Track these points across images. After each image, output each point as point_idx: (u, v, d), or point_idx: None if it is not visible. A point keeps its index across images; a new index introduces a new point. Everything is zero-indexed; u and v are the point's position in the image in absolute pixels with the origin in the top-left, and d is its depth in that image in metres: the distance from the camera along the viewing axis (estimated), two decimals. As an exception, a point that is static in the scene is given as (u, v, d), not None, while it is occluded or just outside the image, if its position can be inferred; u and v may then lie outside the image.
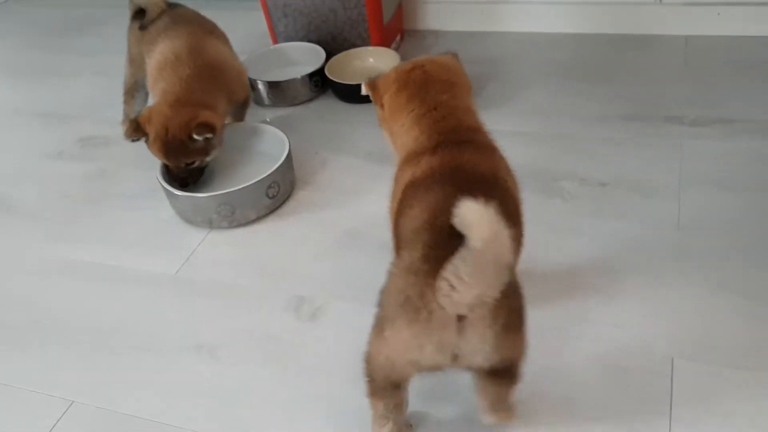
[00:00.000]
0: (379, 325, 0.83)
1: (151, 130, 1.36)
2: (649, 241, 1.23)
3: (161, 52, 1.46)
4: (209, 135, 1.36)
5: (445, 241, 0.76)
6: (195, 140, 1.36)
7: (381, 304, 0.83)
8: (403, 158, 0.99)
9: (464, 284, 0.72)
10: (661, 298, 1.13)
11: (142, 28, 1.55)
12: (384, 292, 0.83)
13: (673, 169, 1.38)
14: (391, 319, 0.80)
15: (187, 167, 1.41)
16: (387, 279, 0.83)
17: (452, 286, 0.72)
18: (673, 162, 1.39)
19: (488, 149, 0.98)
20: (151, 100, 1.51)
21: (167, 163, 1.39)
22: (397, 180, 0.99)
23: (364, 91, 1.07)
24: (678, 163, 1.39)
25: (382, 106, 1.03)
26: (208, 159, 1.43)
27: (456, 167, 0.90)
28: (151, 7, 1.55)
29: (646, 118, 1.53)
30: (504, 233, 0.70)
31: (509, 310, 0.79)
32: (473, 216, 0.70)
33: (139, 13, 1.57)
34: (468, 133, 0.97)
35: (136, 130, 1.36)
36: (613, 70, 1.71)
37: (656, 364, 1.03)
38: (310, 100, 1.78)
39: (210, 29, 1.54)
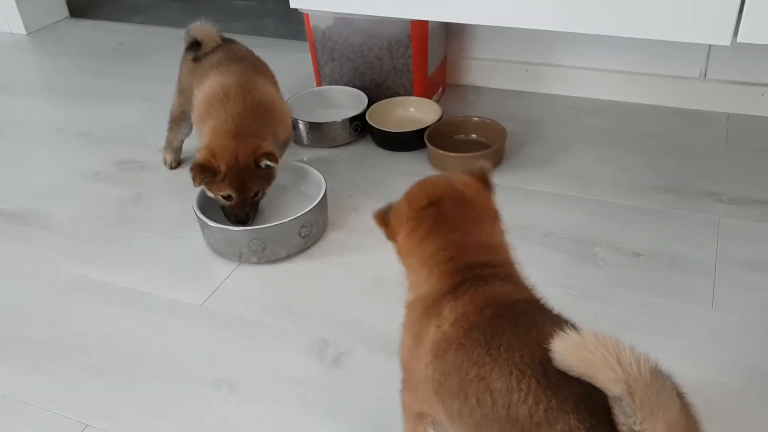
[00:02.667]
0: None
1: (221, 164, 1.36)
2: (682, 316, 1.21)
3: (210, 86, 1.48)
4: (273, 163, 1.38)
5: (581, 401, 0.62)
6: (261, 168, 1.38)
7: None
8: (418, 302, 0.85)
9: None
10: (691, 378, 1.10)
11: (196, 59, 1.59)
12: None
13: (710, 246, 1.36)
14: None
15: (252, 199, 1.42)
16: None
17: None
18: (710, 238, 1.38)
19: (515, 278, 0.86)
20: (195, 133, 1.53)
21: (237, 195, 1.39)
22: (414, 334, 0.84)
23: (374, 223, 0.95)
24: (714, 239, 1.37)
25: (396, 241, 0.91)
26: (269, 189, 1.45)
27: (494, 305, 0.77)
28: (207, 41, 1.58)
29: (684, 191, 1.52)
30: (624, 348, 0.61)
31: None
32: (583, 353, 0.60)
33: (194, 45, 1.60)
34: (488, 268, 0.83)
35: (203, 170, 1.35)
36: (654, 142, 1.71)
37: (684, 445, 1.00)
38: (349, 143, 1.80)
39: (261, 69, 1.57)
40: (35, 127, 2.03)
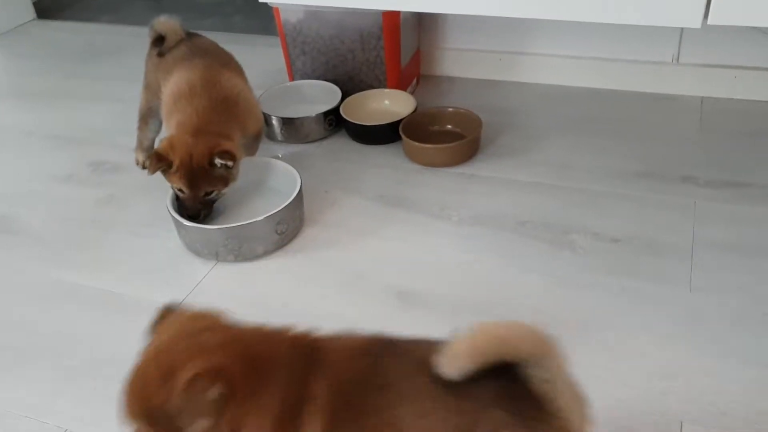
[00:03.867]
0: None
1: (175, 158, 1.36)
2: (661, 300, 1.21)
3: (176, 82, 1.47)
4: (230, 163, 1.36)
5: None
6: (216, 167, 1.37)
7: None
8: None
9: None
10: (670, 359, 1.11)
11: (160, 54, 1.57)
12: None
13: (686, 229, 1.37)
14: None
15: (204, 197, 1.40)
16: None
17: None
18: (686, 222, 1.38)
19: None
20: (165, 131, 1.51)
21: (187, 191, 1.39)
22: None
23: None
24: (691, 223, 1.38)
25: None
26: (224, 191, 1.43)
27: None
28: (170, 35, 1.56)
29: (660, 176, 1.52)
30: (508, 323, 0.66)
31: None
32: (485, 338, 0.66)
33: (158, 40, 1.58)
34: None
35: (159, 160, 1.35)
36: (629, 127, 1.72)
37: (664, 426, 1.00)
38: (324, 138, 1.79)
39: (226, 62, 1.56)
40: (4, 131, 1.99)
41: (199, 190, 1.39)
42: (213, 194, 1.41)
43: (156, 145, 1.72)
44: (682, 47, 1.79)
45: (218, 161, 1.36)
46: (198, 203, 1.40)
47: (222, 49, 1.60)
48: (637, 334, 1.16)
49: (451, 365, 0.66)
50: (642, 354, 1.12)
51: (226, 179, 1.41)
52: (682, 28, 1.75)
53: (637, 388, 1.06)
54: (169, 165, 1.36)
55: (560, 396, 0.68)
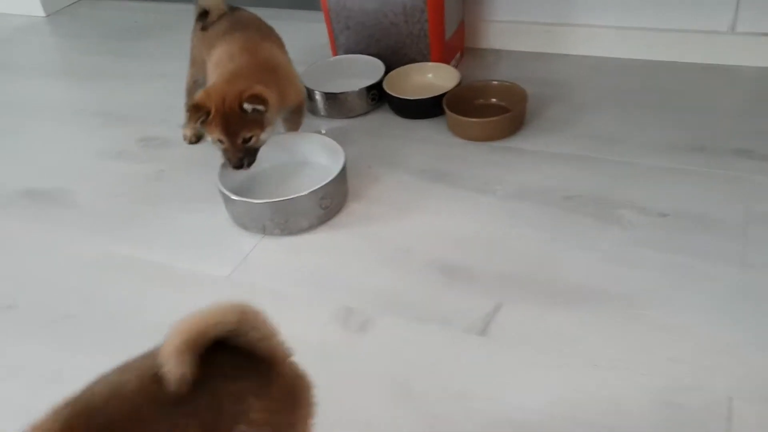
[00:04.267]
0: None
1: (212, 105, 1.37)
2: (710, 276, 1.19)
3: (218, 55, 1.49)
4: (260, 107, 1.36)
5: None
6: (248, 112, 1.37)
7: None
8: None
9: None
10: (719, 336, 1.09)
11: (204, 29, 1.59)
12: None
13: (738, 205, 1.33)
14: None
15: (243, 144, 1.40)
16: None
17: None
18: (740, 197, 1.35)
19: None
20: None
21: (226, 139, 1.40)
22: None
23: None
24: (745, 198, 1.34)
25: None
26: (263, 137, 1.43)
27: None
28: (213, 9, 1.59)
29: (712, 150, 1.48)
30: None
31: None
32: (192, 323, 0.73)
33: (203, 15, 1.61)
34: None
35: (197, 110, 1.37)
36: (681, 100, 1.67)
37: (713, 403, 0.99)
38: (367, 113, 1.79)
39: (266, 34, 1.57)
40: (57, 109, 2.05)
41: (237, 137, 1.39)
42: (252, 140, 1.41)
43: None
44: (739, 15, 1.72)
45: (247, 106, 1.36)
46: (238, 151, 1.41)
47: (263, 23, 1.61)
48: (685, 310, 1.14)
49: (172, 369, 0.72)
50: (690, 330, 1.10)
51: (261, 123, 1.40)
52: (738, -4, 1.69)
53: (686, 363, 1.05)
54: (207, 113, 1.37)
55: (274, 345, 0.80)
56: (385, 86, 1.75)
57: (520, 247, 1.31)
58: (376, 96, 1.77)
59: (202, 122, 1.39)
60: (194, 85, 1.68)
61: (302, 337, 1.18)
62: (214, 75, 1.48)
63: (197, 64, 1.64)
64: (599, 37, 1.88)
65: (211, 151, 1.70)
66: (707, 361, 1.05)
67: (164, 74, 2.11)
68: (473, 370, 1.09)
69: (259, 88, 1.37)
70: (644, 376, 1.04)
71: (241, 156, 1.42)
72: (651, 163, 1.47)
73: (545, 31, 1.93)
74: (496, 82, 1.72)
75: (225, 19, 1.58)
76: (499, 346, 1.12)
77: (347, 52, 1.91)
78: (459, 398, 1.04)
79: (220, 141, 1.41)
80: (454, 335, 1.14)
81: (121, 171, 1.70)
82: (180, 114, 1.75)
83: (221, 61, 1.47)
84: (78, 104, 2.05)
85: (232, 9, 1.62)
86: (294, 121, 1.60)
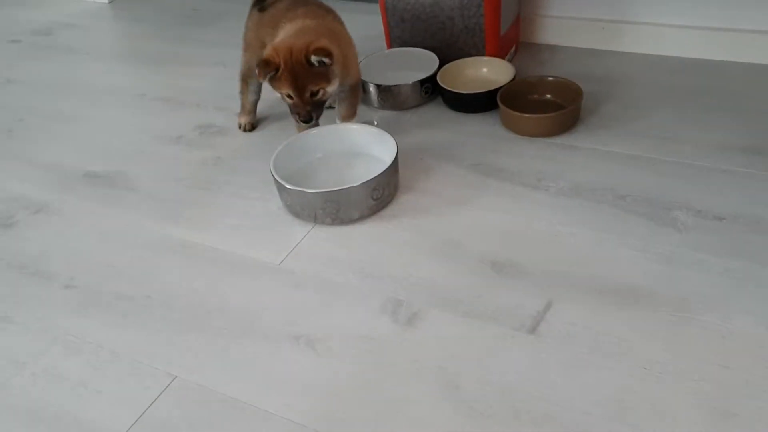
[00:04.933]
0: None
1: (280, 60, 1.40)
2: (767, 282, 1.17)
3: (286, 31, 1.51)
4: (326, 59, 1.40)
5: None
6: (315, 66, 1.40)
7: None
8: None
9: None
10: (775, 344, 1.07)
11: (262, 9, 1.62)
12: None
13: (799, 210, 1.30)
14: None
15: (311, 98, 1.45)
16: None
17: None
18: (799, 202, 1.32)
19: None
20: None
21: (294, 93, 1.44)
22: None
23: None
24: (804, 203, 1.32)
25: None
26: (330, 90, 1.46)
27: None
28: None
29: (771, 152, 1.46)
30: None
31: None
32: None
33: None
34: None
35: (267, 65, 1.40)
36: (738, 100, 1.64)
37: (765, 414, 0.98)
38: (420, 105, 1.80)
39: (329, 10, 1.60)
40: (119, 93, 2.11)
41: (305, 91, 1.43)
42: (319, 94, 1.45)
43: (255, 115, 1.80)
44: (805, 15, 1.68)
45: (314, 58, 1.39)
46: (307, 105, 1.45)
47: (323, 2, 1.63)
48: (740, 316, 1.12)
49: None
50: (744, 337, 1.09)
51: (327, 77, 1.44)
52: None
53: (738, 370, 1.04)
54: (276, 69, 1.41)
55: None
56: (439, 80, 1.75)
57: (572, 245, 1.31)
58: (430, 89, 1.78)
59: (271, 78, 1.42)
60: (248, 71, 1.71)
61: (351, 328, 1.21)
62: None
63: (252, 48, 1.67)
64: (657, 34, 1.85)
65: (266, 139, 1.74)
66: (761, 369, 1.03)
67: (222, 61, 2.16)
68: (522, 367, 1.09)
69: (324, 41, 1.41)
70: (694, 382, 1.03)
71: (310, 110, 1.45)
72: (707, 164, 1.45)
73: (602, 28, 1.90)
74: (551, 78, 1.70)
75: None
76: (548, 344, 1.12)
77: (402, 44, 1.92)
78: (506, 395, 1.05)
79: (289, 96, 1.45)
80: (504, 332, 1.15)
81: (179, 156, 1.75)
82: (236, 102, 1.79)
83: (287, 34, 1.49)
84: (140, 89, 2.11)
85: None
86: (350, 102, 1.62)
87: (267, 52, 1.43)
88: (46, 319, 1.32)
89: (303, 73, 1.41)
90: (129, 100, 2.06)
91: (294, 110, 1.47)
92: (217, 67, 2.14)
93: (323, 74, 1.43)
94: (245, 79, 1.73)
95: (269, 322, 1.24)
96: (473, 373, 1.09)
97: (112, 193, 1.65)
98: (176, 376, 1.16)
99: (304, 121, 1.47)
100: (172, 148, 1.79)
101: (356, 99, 1.64)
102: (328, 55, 1.40)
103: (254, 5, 1.67)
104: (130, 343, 1.24)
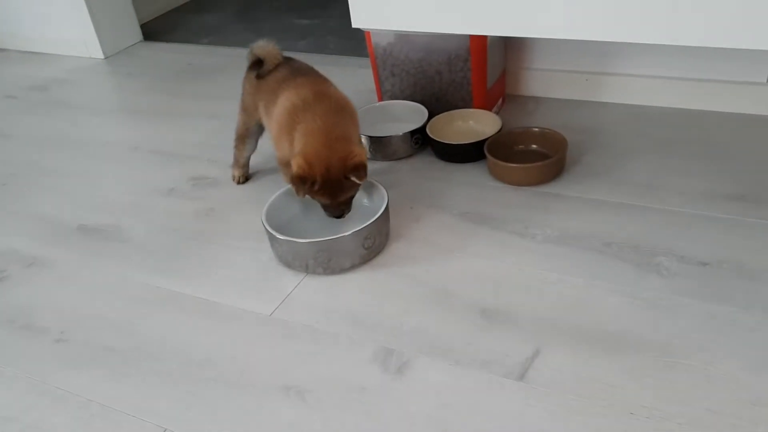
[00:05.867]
0: None
1: (317, 176, 1.41)
2: (752, 327, 1.19)
3: (288, 98, 1.53)
4: (360, 180, 1.42)
5: None
6: (351, 180, 1.43)
7: None
8: None
9: None
10: (759, 387, 1.08)
11: (259, 77, 1.65)
12: None
13: (780, 255, 1.33)
14: None
15: (345, 200, 1.48)
16: None
17: None
18: (781, 247, 1.35)
19: None
20: (278, 147, 1.56)
21: (330, 202, 1.46)
22: None
23: None
24: (785, 248, 1.34)
25: None
26: (359, 189, 1.50)
27: None
28: (269, 59, 1.64)
29: (752, 199, 1.49)
30: None
31: None
32: None
33: (256, 64, 1.67)
34: None
35: (303, 182, 1.41)
36: (718, 149, 1.68)
37: (754, 457, 0.98)
38: (410, 156, 1.84)
39: (326, 79, 1.63)
40: (113, 146, 2.15)
41: (342, 197, 1.46)
42: (352, 197, 1.50)
43: (248, 167, 1.82)
44: (779, 67, 1.74)
45: (353, 178, 1.41)
46: (342, 206, 1.48)
47: (318, 72, 1.67)
48: (725, 361, 1.14)
49: None
50: (731, 381, 1.10)
51: (358, 184, 1.47)
52: (779, 48, 1.70)
53: (726, 415, 1.05)
54: (313, 183, 1.42)
55: None
56: (429, 131, 1.80)
57: (559, 292, 1.32)
58: (420, 140, 1.82)
59: (308, 189, 1.43)
60: (246, 132, 1.74)
61: (342, 378, 1.21)
62: (292, 120, 1.49)
63: (248, 112, 1.70)
64: (638, 85, 1.90)
65: (259, 191, 1.77)
66: (747, 412, 1.04)
67: (216, 115, 2.20)
68: (511, 415, 1.10)
69: (360, 157, 1.41)
70: (681, 426, 1.04)
71: (343, 209, 1.49)
72: (690, 211, 1.48)
73: (585, 80, 1.96)
74: (536, 129, 1.75)
75: (283, 67, 1.63)
76: (537, 391, 1.13)
77: (392, 97, 1.97)
78: (496, 441, 1.06)
79: (325, 202, 1.48)
80: (492, 380, 1.16)
81: (172, 208, 1.78)
82: (229, 154, 1.82)
83: (295, 106, 1.50)
84: (134, 142, 2.14)
85: (286, 59, 1.67)
86: None
87: (299, 164, 1.41)
88: (36, 373, 1.32)
89: (339, 186, 1.43)
90: (123, 154, 2.09)
91: (327, 211, 1.50)
92: (210, 120, 2.18)
93: (356, 184, 1.46)
94: (242, 137, 1.77)
95: (259, 372, 1.24)
96: (462, 422, 1.10)
97: (104, 246, 1.67)
98: (166, 429, 1.16)
99: (336, 217, 1.50)
100: (166, 200, 1.82)
101: None
102: (365, 172, 1.42)
103: (250, 69, 1.69)
104: (120, 396, 1.24)
